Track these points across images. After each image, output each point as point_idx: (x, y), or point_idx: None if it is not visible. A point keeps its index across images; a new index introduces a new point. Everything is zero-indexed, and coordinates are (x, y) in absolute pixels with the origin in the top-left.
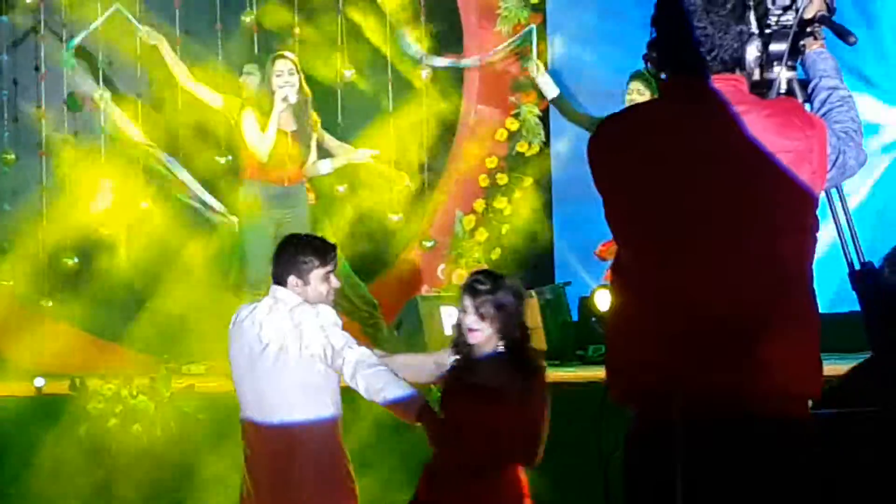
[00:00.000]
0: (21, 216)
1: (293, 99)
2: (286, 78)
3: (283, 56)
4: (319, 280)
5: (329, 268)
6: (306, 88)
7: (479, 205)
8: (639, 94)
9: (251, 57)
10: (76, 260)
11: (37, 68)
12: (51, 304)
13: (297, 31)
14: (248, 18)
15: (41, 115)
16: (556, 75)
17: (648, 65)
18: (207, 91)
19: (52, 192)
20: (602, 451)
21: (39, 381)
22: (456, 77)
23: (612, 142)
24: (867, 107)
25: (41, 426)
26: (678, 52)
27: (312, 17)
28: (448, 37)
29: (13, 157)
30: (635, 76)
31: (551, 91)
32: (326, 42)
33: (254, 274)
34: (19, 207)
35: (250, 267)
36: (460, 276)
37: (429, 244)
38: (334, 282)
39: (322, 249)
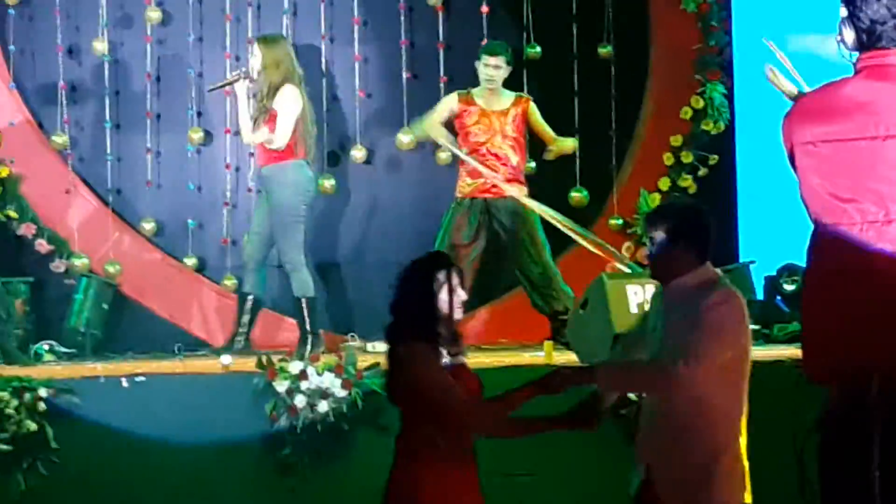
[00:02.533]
0: (208, 195)
1: (238, 80)
2: (252, 62)
3: (255, 38)
4: None
5: None
6: (271, 72)
7: (664, 183)
8: (495, 68)
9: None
10: None
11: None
12: (232, 282)
13: (484, 9)
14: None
15: None
16: (740, 54)
17: (840, 44)
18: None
19: None
20: (796, 431)
21: (226, 359)
22: (642, 53)
23: (809, 117)
24: None
25: (229, 403)
26: (869, 30)
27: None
28: (633, 18)
29: (201, 135)
30: (489, 50)
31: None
32: (511, 20)
33: (247, 249)
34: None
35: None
36: (644, 254)
37: (616, 222)
38: None
39: None
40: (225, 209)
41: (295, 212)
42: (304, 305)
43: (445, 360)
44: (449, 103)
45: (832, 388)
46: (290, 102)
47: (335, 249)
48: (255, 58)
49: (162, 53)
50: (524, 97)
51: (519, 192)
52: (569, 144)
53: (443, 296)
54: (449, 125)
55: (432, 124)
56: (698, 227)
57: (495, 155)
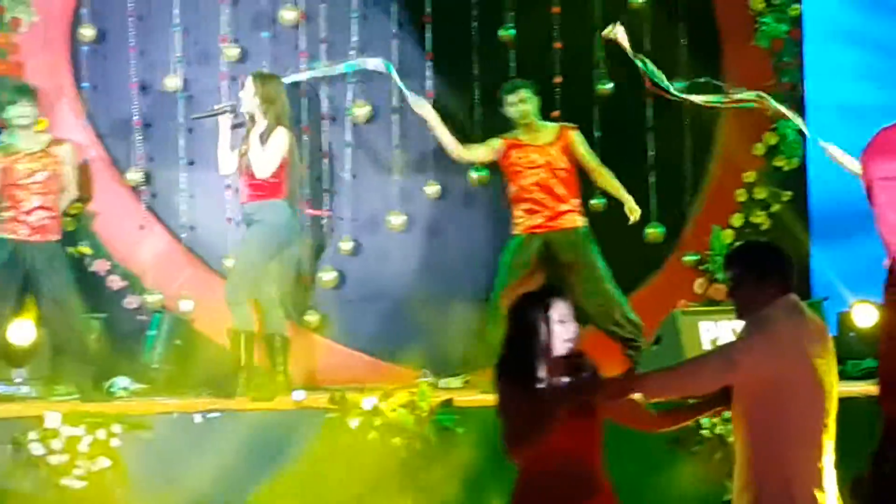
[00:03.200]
0: None
1: (233, 116)
2: (242, 94)
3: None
4: None
5: None
6: (265, 108)
7: (737, 219)
8: (521, 102)
9: (506, 74)
10: (335, 275)
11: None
12: (315, 318)
13: (557, 45)
14: (505, 33)
15: None
16: (813, 90)
17: None
18: (480, 150)
19: None
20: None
21: (299, 395)
22: (714, 89)
23: (886, 153)
24: None
25: (301, 440)
26: None
27: (568, 34)
28: (706, 53)
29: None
30: (507, 90)
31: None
32: (584, 55)
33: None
34: None
35: None
36: (717, 290)
37: (690, 258)
38: None
39: None
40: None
41: (264, 249)
42: (277, 343)
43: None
44: (491, 143)
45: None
46: (280, 142)
47: (408, 286)
48: (246, 92)
49: (236, 90)
50: (568, 127)
51: (581, 220)
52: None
53: (554, 328)
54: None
55: (469, 148)
56: (774, 260)
57: (547, 189)
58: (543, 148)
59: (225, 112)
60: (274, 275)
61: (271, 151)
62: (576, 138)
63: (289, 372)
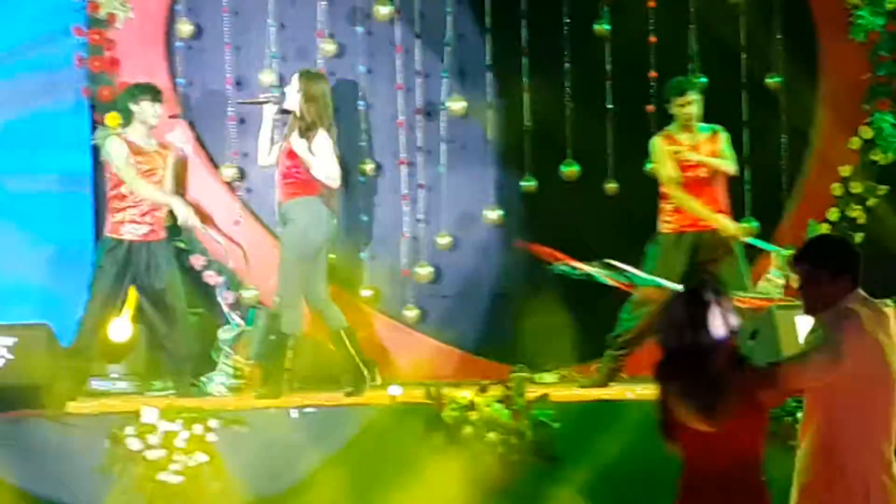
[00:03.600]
0: (379, 226)
1: (277, 111)
2: (288, 91)
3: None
4: None
5: None
6: (307, 107)
7: (833, 213)
8: (688, 105)
9: (601, 69)
10: (430, 270)
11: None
12: (412, 313)
13: (652, 39)
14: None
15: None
16: None
17: None
18: None
19: None
20: None
21: (395, 390)
22: (810, 83)
23: None
24: None
25: (397, 435)
26: None
27: (663, 28)
28: (802, 47)
29: (372, 167)
30: (678, 90)
31: None
32: (678, 49)
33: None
34: (377, 217)
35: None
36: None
37: (786, 252)
38: None
39: None
40: (403, 240)
41: (299, 249)
42: (288, 343)
43: None
44: (664, 150)
45: None
46: (326, 144)
47: (503, 280)
48: (291, 89)
49: (332, 85)
50: (718, 129)
51: (728, 224)
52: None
53: (723, 320)
54: None
55: (679, 185)
56: (848, 255)
57: (698, 189)
58: (697, 147)
59: (269, 102)
60: (322, 272)
61: (325, 157)
62: (725, 140)
63: (366, 360)
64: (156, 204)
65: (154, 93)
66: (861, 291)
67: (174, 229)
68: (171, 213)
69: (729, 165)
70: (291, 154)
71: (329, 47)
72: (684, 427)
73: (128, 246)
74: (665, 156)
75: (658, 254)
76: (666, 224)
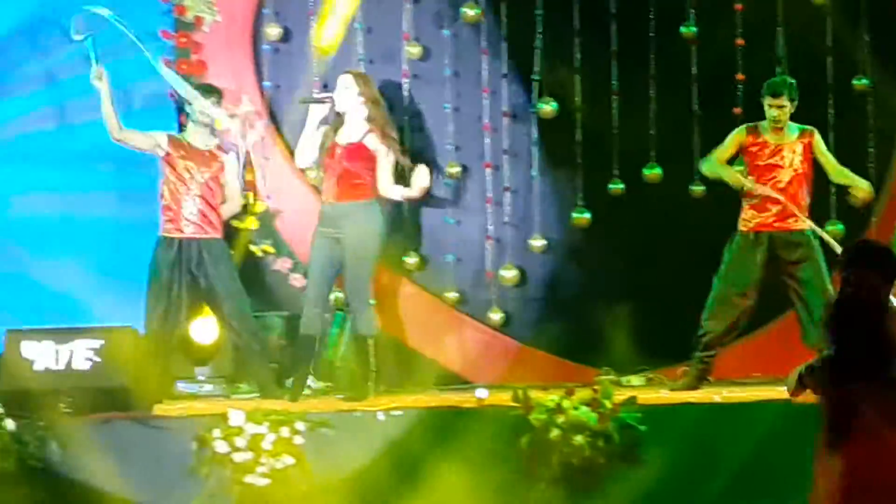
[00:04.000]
0: (464, 229)
1: (311, 102)
2: (339, 91)
3: (345, 72)
4: None
5: None
6: (373, 109)
7: None
8: (779, 108)
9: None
10: (515, 272)
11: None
12: (499, 315)
13: (739, 42)
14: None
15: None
16: None
17: None
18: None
19: None
20: None
21: (482, 393)
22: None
23: None
24: None
25: (484, 437)
26: None
27: (751, 31)
28: (889, 49)
29: (458, 170)
30: (773, 91)
31: None
32: (765, 51)
33: (310, 291)
34: (462, 220)
35: (307, 284)
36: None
37: None
38: None
39: None
40: (488, 243)
41: (372, 250)
42: (370, 344)
43: None
44: (738, 138)
45: None
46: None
47: (589, 283)
48: (347, 91)
49: (418, 88)
50: (809, 129)
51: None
52: (864, 187)
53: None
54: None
55: (720, 162)
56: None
57: (783, 190)
58: (785, 148)
59: (325, 102)
60: (371, 275)
61: (386, 160)
62: (818, 140)
63: (378, 373)
64: (206, 204)
65: (205, 90)
66: None
67: (260, 231)
68: (255, 214)
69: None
70: (354, 155)
71: (414, 50)
72: (856, 434)
73: (178, 244)
74: (734, 141)
75: (735, 252)
76: (744, 223)
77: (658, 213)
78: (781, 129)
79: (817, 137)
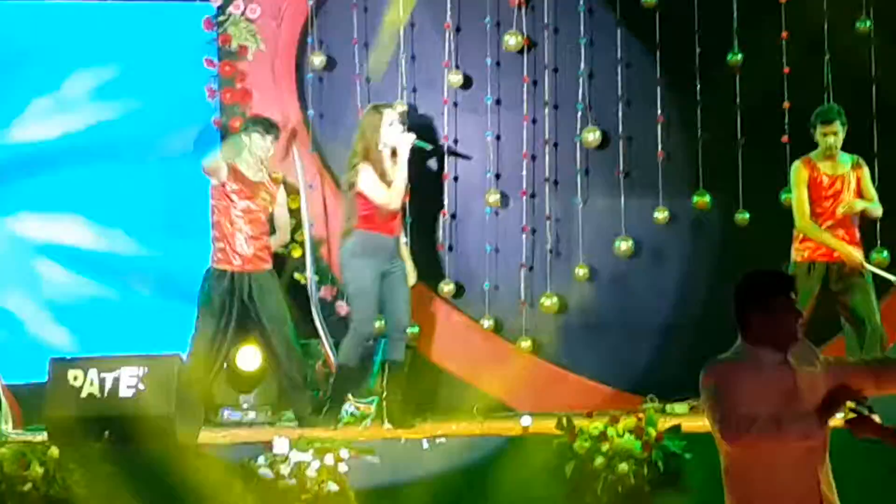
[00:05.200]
0: (503, 256)
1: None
2: (398, 127)
3: (390, 106)
4: None
5: None
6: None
7: None
8: (833, 135)
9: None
10: (556, 300)
11: None
12: (528, 343)
13: (785, 70)
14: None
15: None
16: None
17: None
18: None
19: None
20: None
21: (526, 420)
22: None
23: None
24: None
25: (528, 465)
26: None
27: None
28: None
29: (497, 197)
30: (824, 118)
31: None
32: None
33: (360, 321)
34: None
35: (359, 317)
36: None
37: None
38: None
39: None
40: (522, 271)
41: (411, 279)
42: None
43: None
44: (802, 176)
45: None
46: None
47: (631, 312)
48: (397, 126)
49: (460, 115)
50: (859, 159)
51: (853, 254)
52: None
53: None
54: None
55: (806, 212)
56: None
57: (840, 221)
58: (840, 178)
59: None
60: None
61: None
62: (866, 172)
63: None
64: (255, 235)
65: (266, 125)
66: None
67: (305, 260)
68: (300, 242)
69: (877, 208)
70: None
71: (455, 78)
72: None
73: (230, 276)
74: (802, 181)
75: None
76: (798, 252)
77: (702, 240)
78: (834, 157)
79: (866, 169)
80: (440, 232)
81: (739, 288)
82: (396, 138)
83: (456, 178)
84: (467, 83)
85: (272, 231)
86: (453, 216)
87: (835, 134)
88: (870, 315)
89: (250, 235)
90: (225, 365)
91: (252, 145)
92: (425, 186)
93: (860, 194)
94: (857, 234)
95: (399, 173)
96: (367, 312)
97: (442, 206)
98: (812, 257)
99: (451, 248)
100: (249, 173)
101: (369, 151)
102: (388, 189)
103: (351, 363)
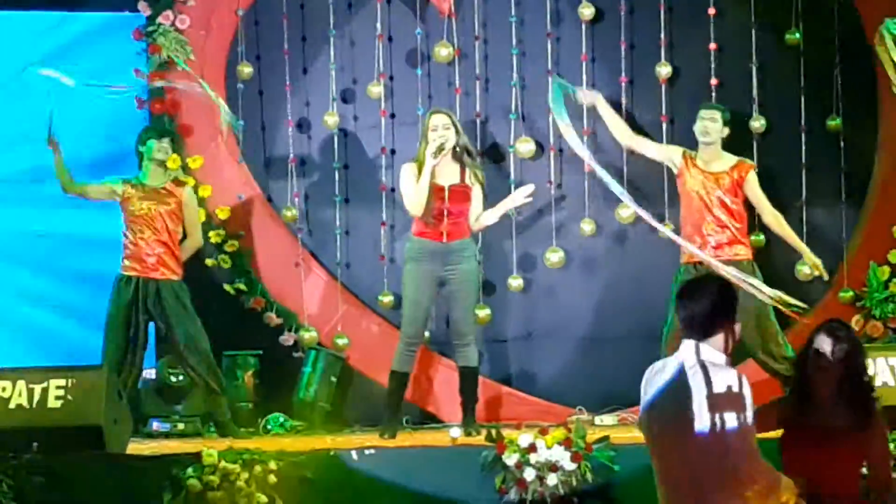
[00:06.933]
0: None
1: (440, 151)
2: (441, 132)
3: (438, 111)
4: None
5: None
6: (468, 144)
7: (894, 255)
8: (710, 121)
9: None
10: (488, 311)
11: None
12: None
13: (713, 81)
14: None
15: None
16: None
17: None
18: (653, 147)
19: None
20: None
21: (455, 432)
22: (871, 126)
23: None
24: None
25: (457, 476)
26: None
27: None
28: (863, 90)
29: None
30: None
31: None
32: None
33: (409, 328)
34: None
35: (406, 321)
36: (874, 328)
37: (846, 294)
38: None
39: None
40: None
41: (476, 285)
42: (473, 376)
43: None
44: (672, 151)
45: None
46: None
47: (560, 323)
48: (448, 130)
49: (390, 126)
50: (747, 163)
51: (746, 253)
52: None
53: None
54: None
55: (627, 132)
56: None
57: (715, 217)
58: (714, 176)
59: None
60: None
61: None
62: (751, 176)
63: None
64: (162, 241)
65: (159, 131)
66: None
67: (234, 270)
68: (229, 253)
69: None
70: (461, 196)
71: (375, 90)
72: None
73: (136, 282)
74: (662, 147)
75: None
76: (683, 254)
77: (631, 251)
78: (713, 152)
79: (752, 175)
80: (381, 243)
81: (727, 295)
82: (434, 146)
83: (392, 190)
84: (396, 93)
85: (184, 238)
86: (392, 227)
87: (712, 120)
88: (760, 326)
89: (153, 240)
90: (142, 374)
91: (149, 153)
92: (359, 199)
93: (744, 199)
94: (738, 235)
95: (422, 179)
96: (412, 317)
97: (382, 219)
98: (691, 258)
99: (392, 261)
100: (151, 180)
101: (420, 153)
102: (416, 193)
103: (402, 369)
